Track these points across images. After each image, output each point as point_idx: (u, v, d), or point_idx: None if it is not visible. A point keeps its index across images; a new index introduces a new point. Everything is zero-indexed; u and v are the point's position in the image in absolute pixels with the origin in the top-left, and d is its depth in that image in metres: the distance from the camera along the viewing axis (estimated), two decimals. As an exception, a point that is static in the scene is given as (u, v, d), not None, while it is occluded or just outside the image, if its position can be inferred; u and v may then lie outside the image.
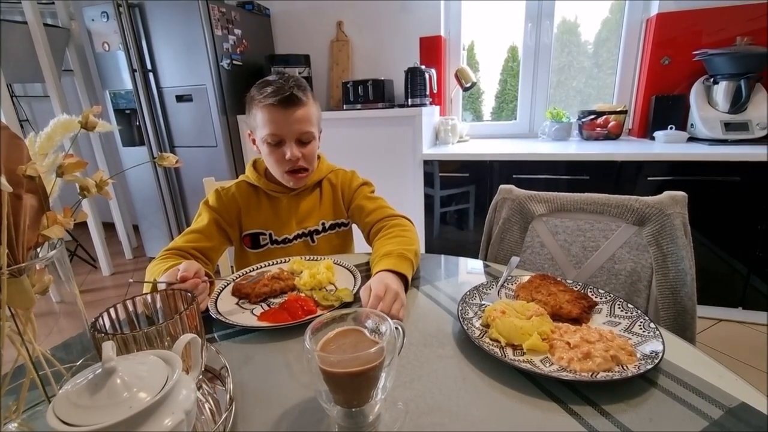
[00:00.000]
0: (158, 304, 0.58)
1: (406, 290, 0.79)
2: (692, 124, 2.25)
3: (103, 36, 2.72)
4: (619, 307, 0.68)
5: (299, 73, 2.69)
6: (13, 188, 0.41)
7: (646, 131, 2.45)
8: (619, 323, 0.65)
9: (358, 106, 2.53)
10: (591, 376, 0.53)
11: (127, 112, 2.92)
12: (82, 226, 3.13)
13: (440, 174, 2.39)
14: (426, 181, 2.41)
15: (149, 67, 2.63)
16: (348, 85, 2.54)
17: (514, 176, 2.23)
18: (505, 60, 2.83)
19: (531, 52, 2.64)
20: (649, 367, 0.53)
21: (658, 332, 0.60)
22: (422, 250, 2.40)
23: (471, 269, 0.92)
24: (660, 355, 0.55)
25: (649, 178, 1.99)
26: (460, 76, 2.62)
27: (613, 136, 2.46)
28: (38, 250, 0.46)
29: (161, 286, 0.68)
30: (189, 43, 2.48)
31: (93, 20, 2.70)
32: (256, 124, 1.00)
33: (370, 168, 2.33)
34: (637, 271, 0.92)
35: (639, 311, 0.65)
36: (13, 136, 0.43)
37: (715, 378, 0.54)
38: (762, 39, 2.12)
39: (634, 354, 0.56)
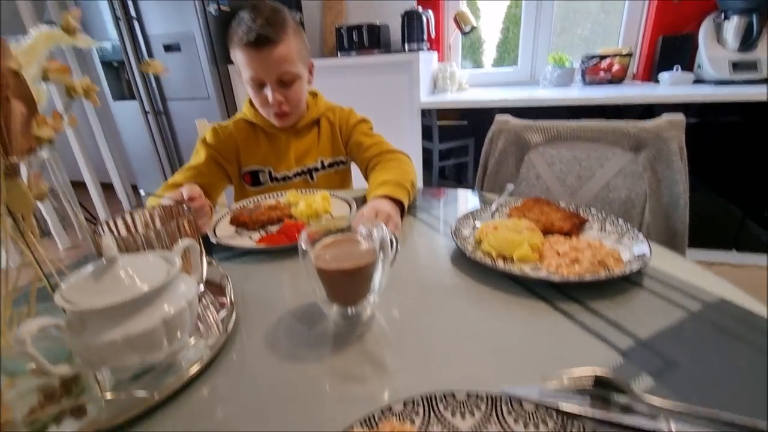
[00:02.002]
0: (158, 223, 0.59)
1: (401, 218, 0.80)
2: (699, 65, 2.18)
3: (83, -20, 2.57)
4: (611, 224, 0.69)
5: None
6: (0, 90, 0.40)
7: (651, 74, 2.38)
8: (610, 236, 0.66)
9: (353, 53, 2.44)
10: (579, 278, 0.55)
11: (115, 65, 2.83)
12: (82, 187, 3.12)
13: (438, 123, 2.35)
14: (424, 134, 2.37)
15: (133, 14, 2.51)
16: (342, 31, 2.43)
17: (513, 123, 2.19)
18: (508, 6, 2.69)
19: (534, -7, 2.50)
20: (635, 268, 0.55)
21: (644, 240, 0.61)
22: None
23: (467, 198, 0.93)
24: (647, 257, 0.56)
25: (650, 121, 1.95)
26: (459, 20, 2.50)
27: (616, 80, 2.39)
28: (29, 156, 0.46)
29: (167, 203, 0.69)
30: (173, -15, 2.36)
31: (70, -37, 2.55)
32: (237, 63, 0.97)
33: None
34: (631, 199, 0.93)
35: (629, 225, 0.66)
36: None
37: (699, 280, 0.56)
38: (778, -30, 2.00)
39: (621, 260, 0.58)
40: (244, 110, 1.09)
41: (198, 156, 1.02)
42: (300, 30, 0.99)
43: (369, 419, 0.34)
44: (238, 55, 0.95)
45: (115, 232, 0.53)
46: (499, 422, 0.34)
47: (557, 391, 0.39)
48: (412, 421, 0.35)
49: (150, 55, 2.58)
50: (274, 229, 0.80)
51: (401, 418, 0.35)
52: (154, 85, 2.66)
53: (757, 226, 2.03)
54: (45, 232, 0.52)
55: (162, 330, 0.40)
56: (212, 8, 2.44)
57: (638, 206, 0.92)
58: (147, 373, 0.43)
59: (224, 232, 0.80)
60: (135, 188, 3.29)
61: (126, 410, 0.38)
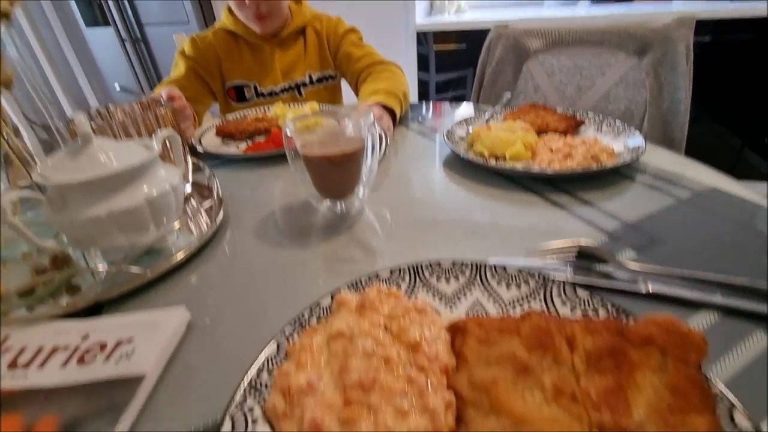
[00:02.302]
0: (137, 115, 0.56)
1: (393, 127, 0.77)
2: (716, -21, 2.02)
3: None
4: (607, 125, 0.67)
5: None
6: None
7: (664, -10, 2.21)
8: (605, 137, 0.65)
9: (343, -33, 2.23)
10: (571, 171, 0.54)
11: (87, -9, 2.58)
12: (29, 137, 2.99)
13: (435, 48, 2.22)
14: (420, 64, 2.24)
15: (97, -77, 2.25)
16: (330, -59, 2.20)
17: (514, 46, 2.07)
18: None
19: None
20: (627, 159, 0.54)
21: (639, 137, 0.60)
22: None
23: (462, 110, 0.90)
24: (640, 149, 0.55)
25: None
26: (459, -73, 2.26)
27: (626, -3, 2.22)
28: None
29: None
30: None
31: None
32: None
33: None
34: (631, 110, 0.90)
35: (626, 125, 0.64)
36: None
37: (694, 173, 0.56)
38: None
39: (615, 155, 0.57)
40: (222, 19, 1.01)
41: (177, 69, 0.96)
42: None
43: (356, 283, 0.35)
44: None
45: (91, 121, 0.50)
46: (483, 285, 0.35)
47: (541, 260, 0.40)
48: (398, 286, 0.35)
49: (121, -27, 2.36)
50: (261, 139, 0.77)
51: (388, 283, 0.36)
52: (128, 9, 2.45)
53: (755, 155, 2.01)
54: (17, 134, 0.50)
55: (146, 210, 0.39)
56: None
57: (637, 117, 0.90)
58: (139, 259, 0.43)
59: (210, 143, 0.77)
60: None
61: (119, 285, 0.39)
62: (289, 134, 0.47)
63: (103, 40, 2.70)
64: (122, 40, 2.58)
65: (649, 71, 0.83)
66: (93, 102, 3.07)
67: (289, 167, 0.50)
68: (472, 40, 2.15)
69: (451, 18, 2.23)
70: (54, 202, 0.37)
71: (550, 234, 0.45)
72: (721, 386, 0.24)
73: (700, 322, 0.33)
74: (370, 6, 2.17)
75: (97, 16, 2.67)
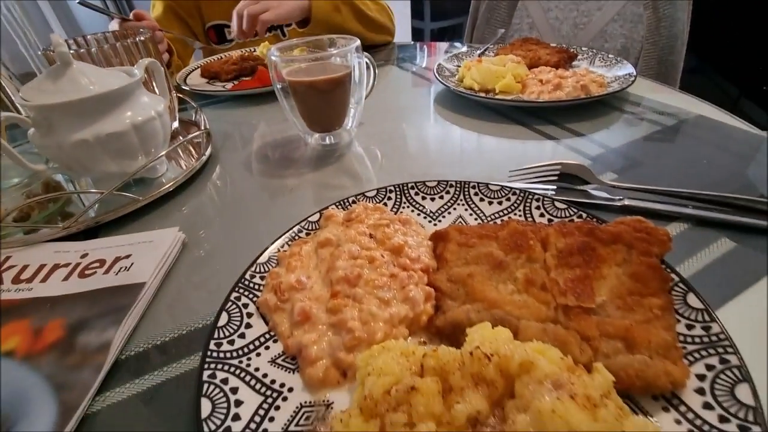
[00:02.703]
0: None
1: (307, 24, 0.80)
2: None
3: None
4: (601, 60, 0.66)
5: None
6: None
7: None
8: (600, 68, 0.64)
9: None
10: (559, 101, 0.54)
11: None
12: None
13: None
14: (415, 13, 2.13)
15: None
16: None
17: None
18: None
19: None
20: (616, 87, 0.54)
21: (630, 68, 0.59)
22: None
23: (454, 48, 0.87)
24: (630, 76, 0.55)
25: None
26: None
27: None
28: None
29: (114, 23, 0.64)
30: None
31: None
32: None
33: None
34: (627, 48, 0.88)
35: (620, 58, 0.63)
36: None
37: (683, 103, 0.56)
38: None
39: (605, 85, 0.57)
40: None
41: (155, 10, 0.92)
42: None
43: (344, 202, 0.36)
44: None
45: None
46: (466, 201, 0.37)
47: (522, 179, 0.41)
48: (385, 204, 0.37)
49: None
50: (247, 79, 0.75)
51: (374, 201, 0.37)
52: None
53: (753, 105, 1.98)
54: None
55: (133, 135, 0.39)
56: None
57: (633, 56, 0.88)
58: (131, 188, 0.44)
59: (196, 82, 0.75)
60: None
61: (114, 210, 0.40)
62: (275, 60, 0.46)
63: (92, 14, 2.52)
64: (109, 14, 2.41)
65: (647, 4, 0.80)
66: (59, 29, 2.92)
67: (277, 105, 0.50)
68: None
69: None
70: (40, 126, 0.37)
71: (535, 161, 0.46)
72: (679, 275, 0.26)
73: (672, 231, 0.34)
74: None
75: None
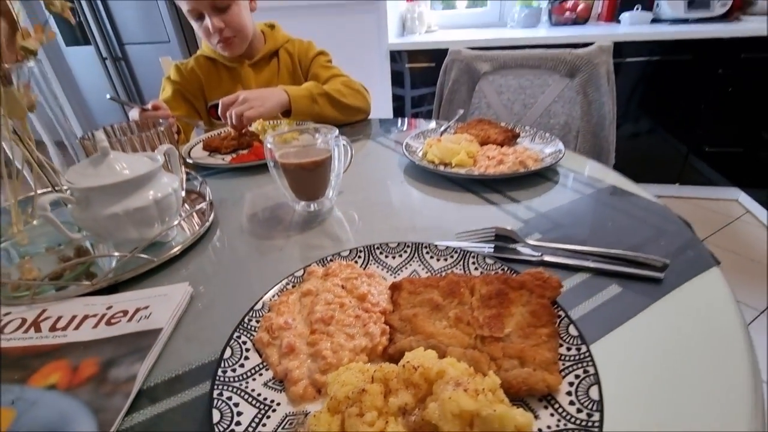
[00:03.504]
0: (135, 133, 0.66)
1: (289, 115, 0.93)
2: (658, 4, 2.24)
3: None
4: (540, 138, 0.81)
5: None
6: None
7: (613, 14, 2.43)
8: (537, 145, 0.78)
9: (318, -9, 2.37)
10: (501, 174, 0.66)
11: (64, 5, 2.62)
12: (41, 148, 3.00)
13: (408, 66, 2.36)
14: (395, 80, 2.39)
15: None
16: (306, -33, 2.34)
17: (479, 64, 2.24)
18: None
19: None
20: (548, 163, 0.67)
21: (561, 146, 0.73)
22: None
23: (423, 125, 1.02)
24: (560, 153, 0.68)
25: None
26: (426, -45, 2.44)
27: (581, 20, 2.43)
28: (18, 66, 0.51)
29: (134, 112, 0.76)
30: None
31: None
32: (180, 1, 0.98)
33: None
34: (569, 123, 1.04)
35: (554, 136, 0.78)
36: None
37: (602, 175, 0.69)
38: None
39: (539, 160, 0.70)
40: (203, 47, 1.11)
41: (165, 92, 1.06)
42: None
43: (323, 260, 0.46)
44: None
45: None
46: (419, 259, 0.46)
47: (466, 240, 0.51)
48: (356, 262, 0.46)
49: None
50: (244, 152, 0.87)
51: (347, 259, 0.46)
52: (109, 28, 2.53)
53: (699, 161, 2.21)
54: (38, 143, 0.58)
55: (154, 208, 0.49)
56: (166, -59, 2.29)
57: (573, 130, 1.04)
58: (146, 250, 0.52)
59: (198, 155, 0.87)
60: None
61: (132, 269, 0.48)
62: (269, 146, 0.57)
63: (83, 60, 2.75)
64: (103, 59, 2.64)
65: (579, 90, 0.97)
66: (74, 121, 3.10)
67: (269, 176, 0.61)
68: (442, 59, 2.31)
69: (422, 38, 2.39)
70: (80, 202, 0.46)
71: (481, 223, 0.57)
72: (565, 312, 0.35)
73: (576, 280, 0.44)
74: (348, 27, 2.32)
75: (77, 35, 2.72)
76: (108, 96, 0.83)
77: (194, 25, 1.02)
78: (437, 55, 2.29)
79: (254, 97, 0.84)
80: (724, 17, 2.10)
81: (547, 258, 0.47)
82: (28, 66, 0.50)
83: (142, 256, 0.48)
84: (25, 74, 0.50)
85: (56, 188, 0.54)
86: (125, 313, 0.42)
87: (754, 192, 2.20)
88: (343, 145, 0.63)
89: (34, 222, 0.56)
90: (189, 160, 0.82)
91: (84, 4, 2.44)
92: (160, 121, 0.62)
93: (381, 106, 2.48)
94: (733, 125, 2.08)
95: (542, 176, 0.69)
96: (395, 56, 2.33)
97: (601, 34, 2.02)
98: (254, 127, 0.98)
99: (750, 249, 1.86)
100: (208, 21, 0.98)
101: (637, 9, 2.26)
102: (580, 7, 2.42)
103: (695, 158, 2.24)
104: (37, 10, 2.84)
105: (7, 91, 0.48)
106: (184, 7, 0.98)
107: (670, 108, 2.12)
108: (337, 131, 0.60)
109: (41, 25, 0.50)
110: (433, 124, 0.98)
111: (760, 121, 2.02)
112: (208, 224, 0.58)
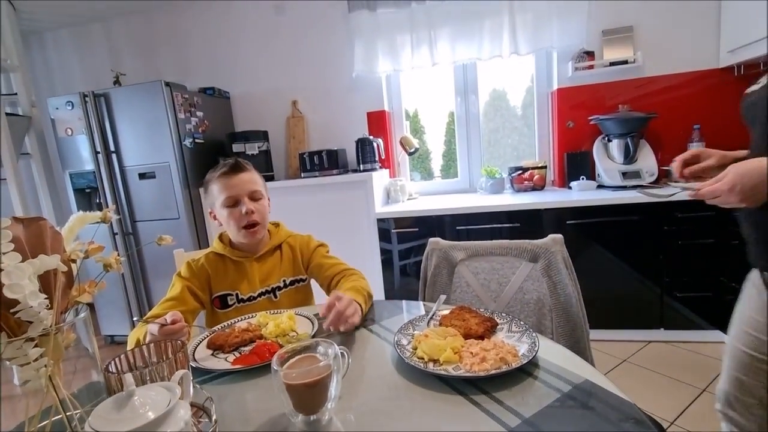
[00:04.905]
0: (153, 356, 0.73)
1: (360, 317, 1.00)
2: (599, 174, 2.69)
3: (67, 123, 2.83)
4: (515, 325, 0.90)
5: (258, 147, 2.95)
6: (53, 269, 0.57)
7: (564, 182, 2.88)
8: (514, 336, 0.86)
9: (315, 173, 2.80)
10: (486, 373, 0.73)
11: (87, 190, 2.97)
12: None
13: (395, 231, 2.64)
14: (383, 237, 2.65)
15: (112, 148, 2.78)
16: (304, 156, 2.82)
17: (458, 227, 2.52)
18: (447, 123, 3.26)
19: (463, 121, 3.09)
20: (525, 361, 0.74)
21: (535, 338, 0.81)
22: (382, 298, 2.59)
23: (410, 308, 1.12)
24: (535, 347, 0.76)
25: (568, 222, 2.35)
26: (404, 143, 2.99)
27: (538, 187, 2.86)
28: (66, 314, 0.61)
29: (154, 327, 0.83)
30: (153, 126, 2.68)
31: (57, 109, 2.83)
32: (214, 196, 1.23)
33: (329, 228, 2.55)
34: (541, 299, 1.16)
35: (527, 326, 0.87)
36: (55, 230, 0.60)
37: (570, 365, 0.76)
38: (637, 106, 2.66)
39: (517, 355, 0.78)
40: (214, 245, 1.29)
41: (174, 289, 1.18)
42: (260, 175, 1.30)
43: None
44: (215, 187, 1.23)
45: (121, 367, 0.66)
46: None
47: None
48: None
49: (125, 182, 2.80)
50: (247, 349, 0.93)
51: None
52: (125, 209, 2.83)
53: (677, 303, 2.33)
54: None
55: (167, 446, 0.52)
56: (188, 142, 2.78)
57: (547, 305, 1.15)
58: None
59: (202, 355, 0.92)
60: (91, 305, 3.20)
61: None
62: (275, 369, 0.64)
63: (94, 234, 2.97)
64: (113, 234, 2.87)
65: (542, 273, 1.12)
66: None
67: (269, 377, 0.65)
68: (422, 223, 2.59)
69: (404, 206, 2.73)
70: (100, 448, 0.50)
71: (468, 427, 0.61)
72: None
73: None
74: (341, 201, 2.69)
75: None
76: (135, 318, 0.93)
77: (223, 212, 1.21)
78: (418, 219, 2.58)
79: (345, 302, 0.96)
80: (655, 183, 2.51)
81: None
82: (79, 318, 0.60)
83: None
84: (71, 320, 0.60)
85: None
86: None
87: (737, 337, 2.26)
88: (342, 353, 0.70)
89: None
90: (193, 364, 0.87)
91: (107, 189, 2.78)
92: (180, 342, 0.70)
93: (369, 262, 2.66)
94: (695, 272, 2.27)
95: (523, 370, 0.75)
96: (381, 221, 2.62)
97: (555, 200, 2.37)
98: (256, 321, 1.06)
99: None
100: (242, 207, 1.18)
101: (582, 179, 2.70)
102: (536, 177, 2.88)
103: (671, 300, 2.36)
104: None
105: (56, 339, 0.56)
106: (221, 198, 1.20)
107: (636, 258, 2.33)
108: (336, 346, 0.68)
109: (94, 280, 0.62)
110: (422, 309, 1.08)
111: (715, 268, 2.23)
112: (211, 449, 0.60)
